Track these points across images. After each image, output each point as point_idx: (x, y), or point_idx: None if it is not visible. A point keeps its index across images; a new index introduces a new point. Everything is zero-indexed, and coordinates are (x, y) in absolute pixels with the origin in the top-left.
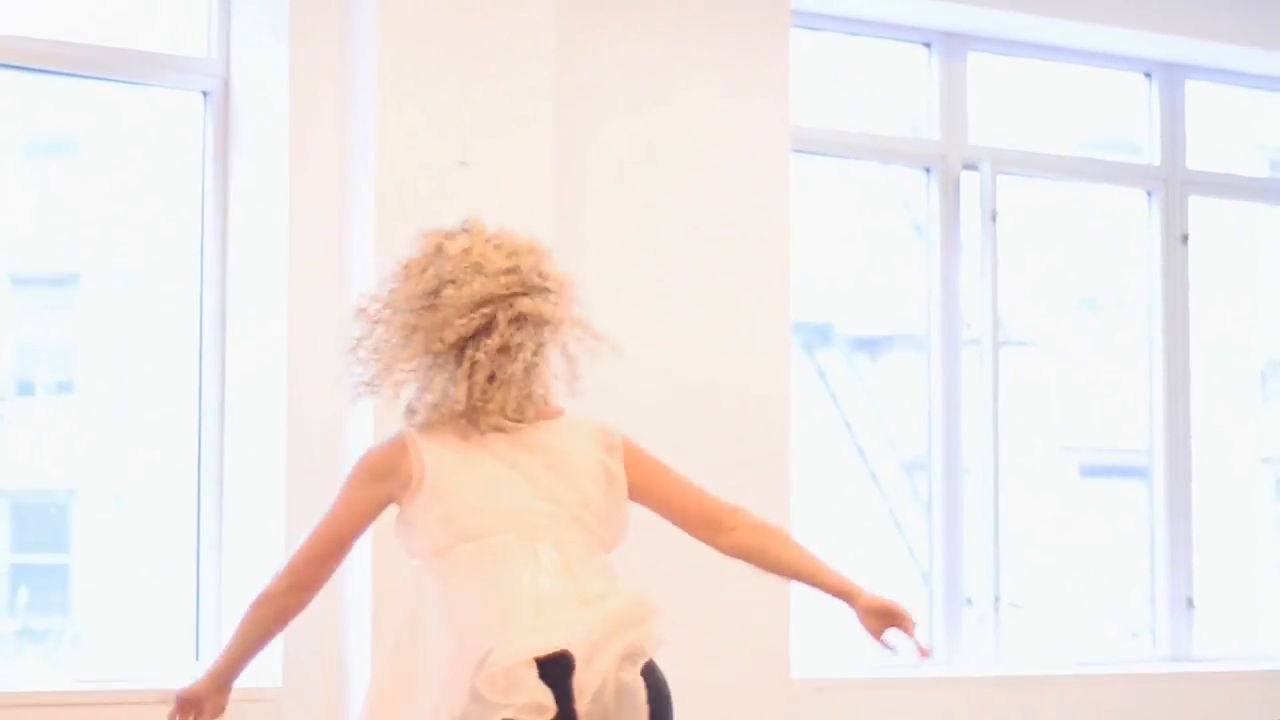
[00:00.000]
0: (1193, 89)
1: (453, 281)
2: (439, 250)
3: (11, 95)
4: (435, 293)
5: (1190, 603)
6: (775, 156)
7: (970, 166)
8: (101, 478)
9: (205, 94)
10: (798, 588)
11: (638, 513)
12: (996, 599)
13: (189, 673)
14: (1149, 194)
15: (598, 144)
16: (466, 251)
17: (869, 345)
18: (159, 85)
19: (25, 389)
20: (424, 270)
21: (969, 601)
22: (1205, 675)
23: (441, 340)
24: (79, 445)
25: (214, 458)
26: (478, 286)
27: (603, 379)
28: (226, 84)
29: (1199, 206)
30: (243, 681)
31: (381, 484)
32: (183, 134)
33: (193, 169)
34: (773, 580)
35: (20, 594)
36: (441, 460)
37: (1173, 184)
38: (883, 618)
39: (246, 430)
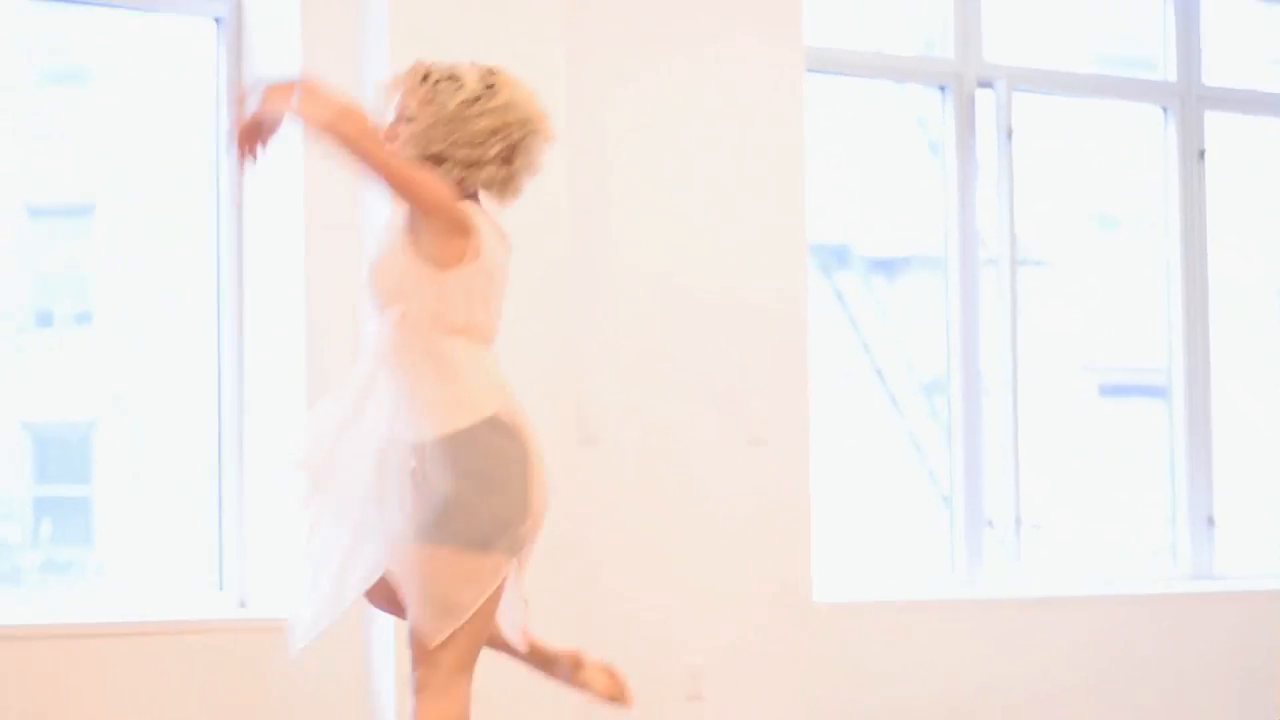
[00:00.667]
0: (1208, 3)
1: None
2: (507, 106)
3: (23, 25)
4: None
5: (1211, 521)
6: (790, 77)
7: (985, 84)
8: (122, 408)
9: (218, 20)
10: (819, 512)
11: (658, 442)
12: (1017, 520)
13: (212, 603)
14: (1165, 110)
15: (613, 65)
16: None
17: (886, 266)
18: (171, 12)
19: (44, 320)
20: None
21: (990, 523)
22: (1226, 593)
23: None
24: (99, 376)
25: (234, 385)
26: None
27: (623, 302)
28: (239, 10)
29: (1216, 122)
30: (268, 610)
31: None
32: (196, 61)
33: (207, 96)
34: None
35: (43, 526)
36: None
37: (1189, 100)
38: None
39: (266, 357)
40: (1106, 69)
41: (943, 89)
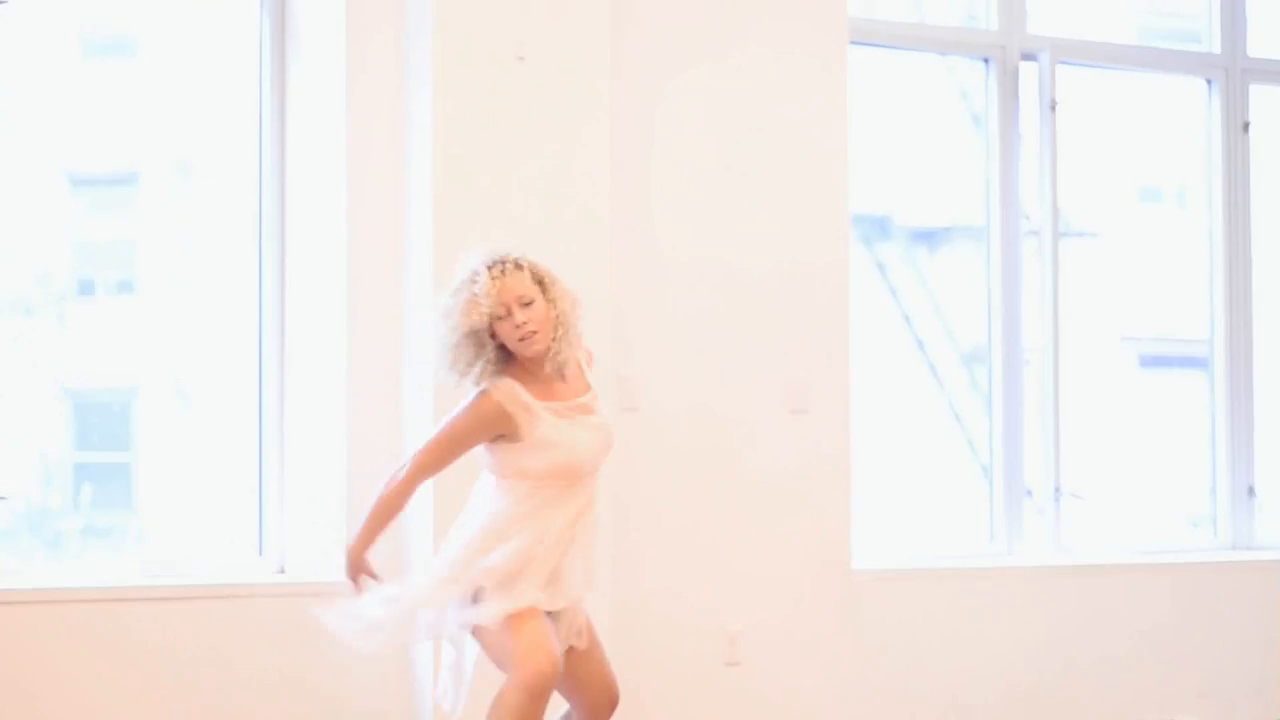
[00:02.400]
0: None
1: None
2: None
3: None
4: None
5: (1251, 491)
6: (834, 49)
7: (1029, 56)
8: (163, 375)
9: None
10: (859, 481)
11: (699, 410)
12: (1056, 489)
13: (252, 567)
14: (1209, 82)
15: (657, 39)
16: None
17: (928, 237)
18: None
19: (86, 288)
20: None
21: (1029, 492)
22: (1266, 563)
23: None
24: (140, 343)
25: (275, 352)
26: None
27: (666, 274)
28: None
29: (1260, 94)
30: (307, 576)
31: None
32: (240, 31)
33: (250, 66)
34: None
35: (84, 491)
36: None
37: (1233, 72)
38: None
39: (308, 324)
40: (1150, 41)
41: (986, 61)
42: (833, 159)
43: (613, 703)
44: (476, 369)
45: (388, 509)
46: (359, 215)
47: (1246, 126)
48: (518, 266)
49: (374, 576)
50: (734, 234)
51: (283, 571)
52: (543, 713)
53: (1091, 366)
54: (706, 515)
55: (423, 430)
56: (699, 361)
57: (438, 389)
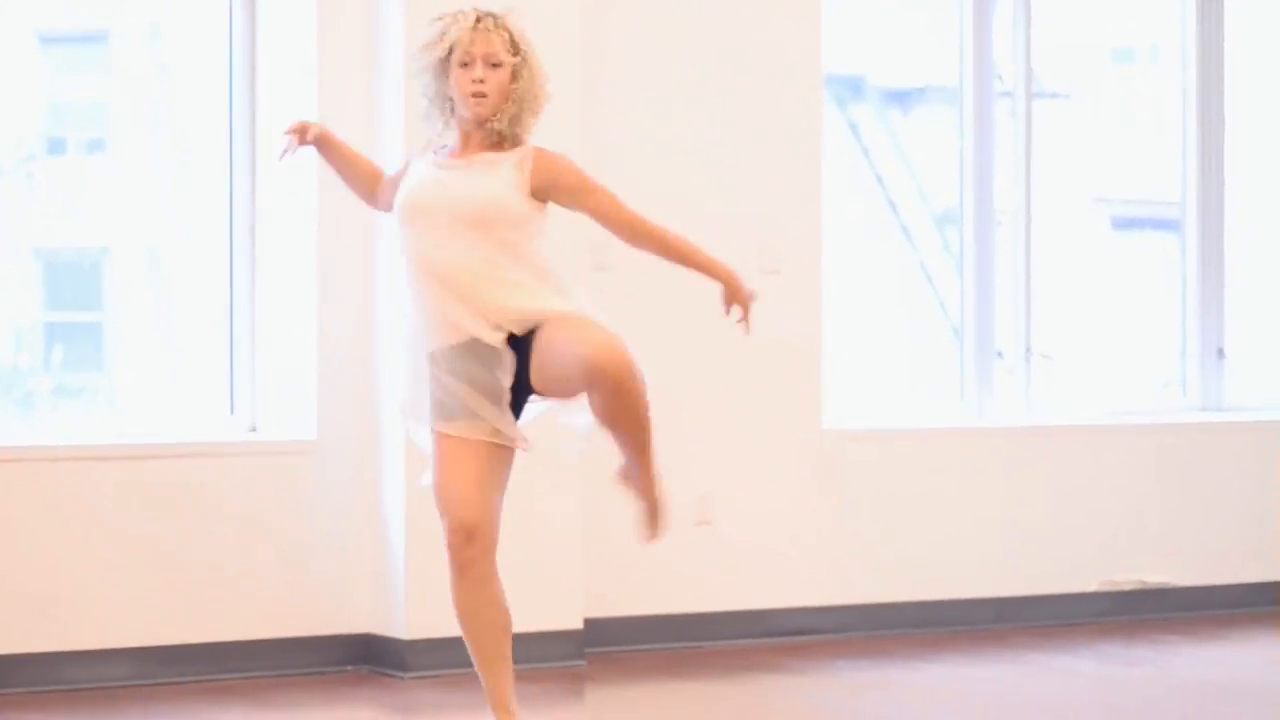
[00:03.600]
0: None
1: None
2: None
3: None
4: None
5: (1221, 353)
6: None
7: None
8: (134, 235)
9: None
10: (831, 342)
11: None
12: (1027, 350)
13: (223, 425)
14: None
15: None
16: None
17: (901, 98)
18: None
19: (56, 147)
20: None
21: (1000, 353)
22: (1235, 424)
23: None
24: (111, 203)
25: (246, 211)
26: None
27: (635, 130)
28: None
29: None
30: (278, 434)
31: None
32: None
33: None
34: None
35: (55, 351)
36: None
37: None
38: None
39: (279, 182)
40: None
41: None
42: (805, 19)
43: (603, 371)
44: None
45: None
46: (329, 68)
47: None
48: (499, 26)
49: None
50: (706, 93)
51: (254, 430)
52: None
53: (1063, 228)
54: (677, 375)
55: (394, 286)
56: (671, 221)
57: None
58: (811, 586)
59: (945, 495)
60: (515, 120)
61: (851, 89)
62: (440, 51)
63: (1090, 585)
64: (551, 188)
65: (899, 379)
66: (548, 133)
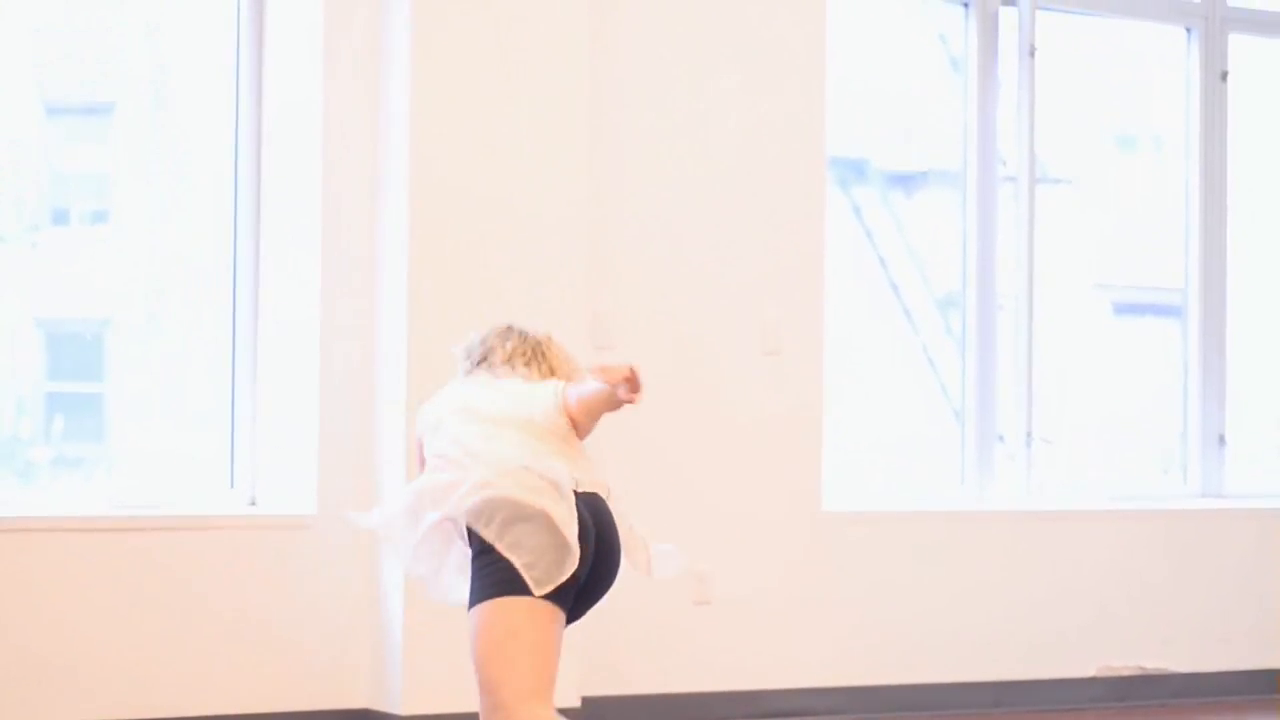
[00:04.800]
0: None
1: None
2: None
3: None
4: None
5: (1222, 439)
6: None
7: (1009, 1)
8: (136, 306)
9: None
10: (831, 423)
11: (673, 350)
12: (1029, 435)
13: (223, 500)
14: (1189, 30)
15: None
16: None
17: (904, 181)
18: None
19: (60, 218)
20: None
21: (1001, 437)
22: (1236, 511)
23: None
24: (114, 274)
25: (249, 284)
26: None
27: (641, 210)
28: None
29: (1239, 44)
30: (278, 508)
31: None
32: None
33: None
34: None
35: (56, 422)
36: None
37: (1213, 20)
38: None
39: (282, 257)
40: None
41: (966, 5)
42: (810, 101)
43: None
44: None
45: None
46: (334, 145)
47: (1225, 76)
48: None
49: None
50: (710, 175)
51: (254, 504)
52: None
53: (1065, 313)
54: (678, 454)
55: (397, 365)
56: (674, 301)
57: (411, 328)
58: (809, 667)
59: (944, 578)
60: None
61: (855, 171)
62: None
63: (1089, 670)
64: None
65: (899, 461)
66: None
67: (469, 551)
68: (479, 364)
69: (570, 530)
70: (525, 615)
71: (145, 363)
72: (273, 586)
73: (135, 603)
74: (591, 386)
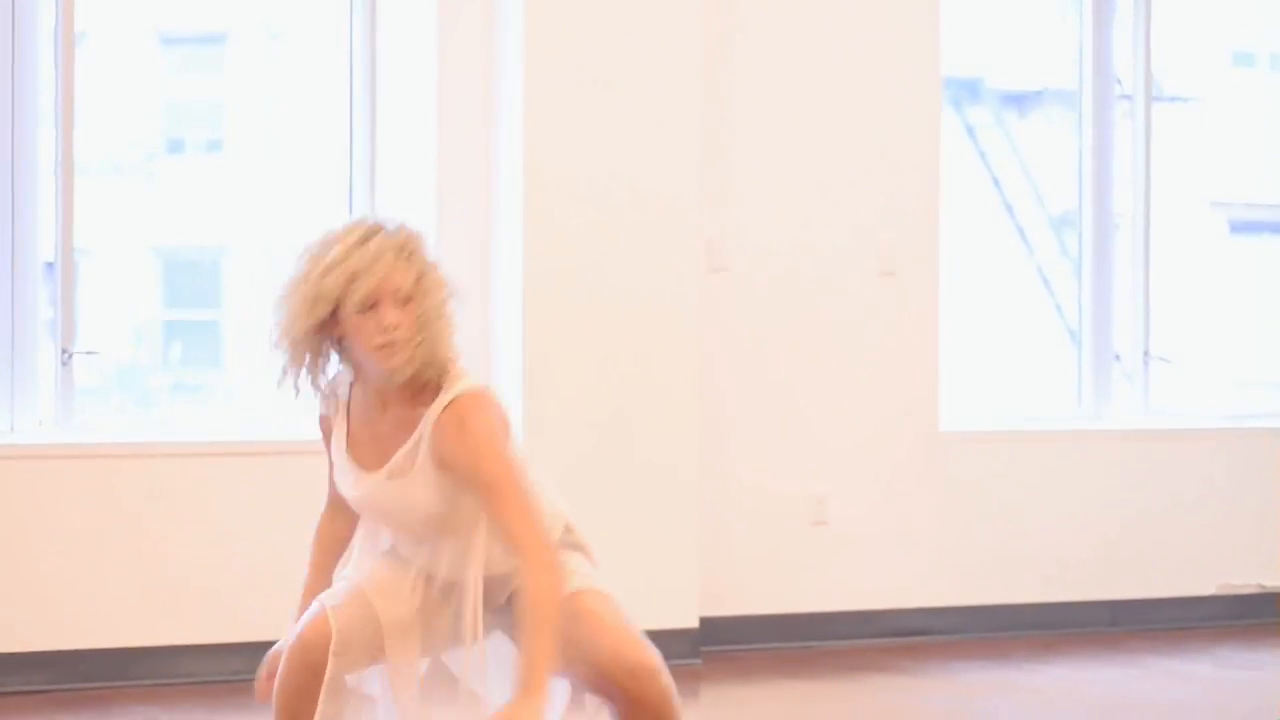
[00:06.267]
0: None
1: None
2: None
3: None
4: None
5: None
6: None
7: None
8: (251, 234)
9: None
10: (947, 344)
11: (787, 271)
12: (1145, 354)
13: None
14: None
15: None
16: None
17: (1019, 101)
18: None
19: (175, 147)
20: None
21: (1117, 357)
22: None
23: None
24: (229, 203)
25: (363, 211)
26: None
27: (755, 133)
28: None
29: None
30: None
31: None
32: None
33: None
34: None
35: (174, 349)
36: None
37: None
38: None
39: (397, 183)
40: None
41: None
42: (923, 22)
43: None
44: (305, 373)
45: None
46: (448, 73)
47: None
48: (402, 249)
49: None
50: (825, 96)
51: None
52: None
53: (1181, 232)
54: (795, 377)
55: (513, 297)
56: (788, 223)
57: (527, 254)
58: (926, 587)
59: (1061, 498)
60: (430, 348)
61: (969, 91)
62: (323, 313)
63: (1208, 589)
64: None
65: (1016, 382)
66: (669, 149)
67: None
68: None
69: None
70: None
71: (261, 290)
72: None
73: (253, 526)
74: None
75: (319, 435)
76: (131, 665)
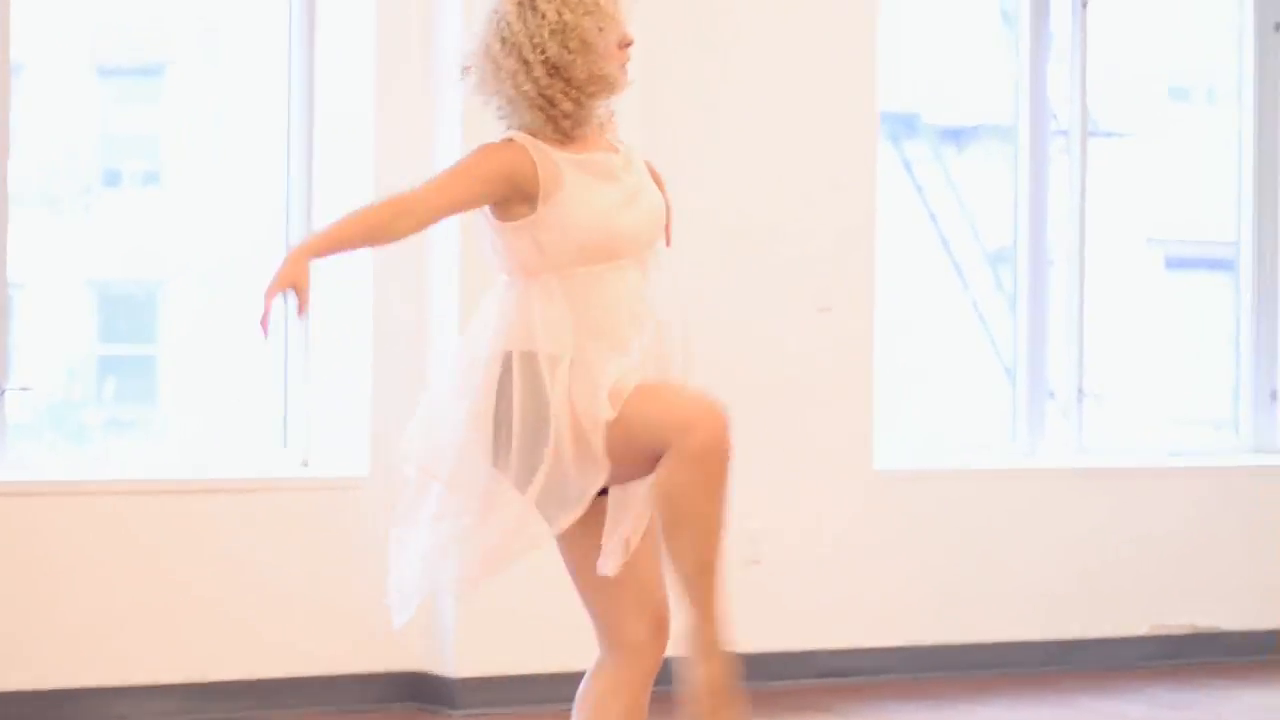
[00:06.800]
0: None
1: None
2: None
3: None
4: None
5: (1274, 395)
6: None
7: None
8: (188, 267)
9: None
10: (882, 381)
11: (723, 308)
12: (1079, 391)
13: (275, 461)
14: None
15: None
16: None
17: (956, 135)
18: None
19: (112, 180)
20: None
21: (1052, 394)
22: None
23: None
24: (166, 236)
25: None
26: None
27: (690, 168)
28: None
29: None
30: (331, 470)
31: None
32: None
33: None
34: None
35: (108, 384)
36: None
37: None
38: None
39: (335, 216)
40: None
41: None
42: (861, 55)
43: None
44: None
45: (357, 227)
46: (387, 105)
47: (1278, 26)
48: None
49: (304, 294)
50: (760, 131)
51: (306, 465)
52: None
53: (1117, 268)
54: (728, 411)
55: (449, 322)
56: (723, 258)
57: (463, 289)
58: (860, 627)
59: (995, 536)
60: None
61: (906, 126)
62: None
63: (1141, 629)
64: None
65: (950, 418)
66: None
67: None
68: None
69: None
70: None
71: (197, 324)
72: (325, 548)
73: (187, 565)
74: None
75: (491, 164)
76: (64, 706)
